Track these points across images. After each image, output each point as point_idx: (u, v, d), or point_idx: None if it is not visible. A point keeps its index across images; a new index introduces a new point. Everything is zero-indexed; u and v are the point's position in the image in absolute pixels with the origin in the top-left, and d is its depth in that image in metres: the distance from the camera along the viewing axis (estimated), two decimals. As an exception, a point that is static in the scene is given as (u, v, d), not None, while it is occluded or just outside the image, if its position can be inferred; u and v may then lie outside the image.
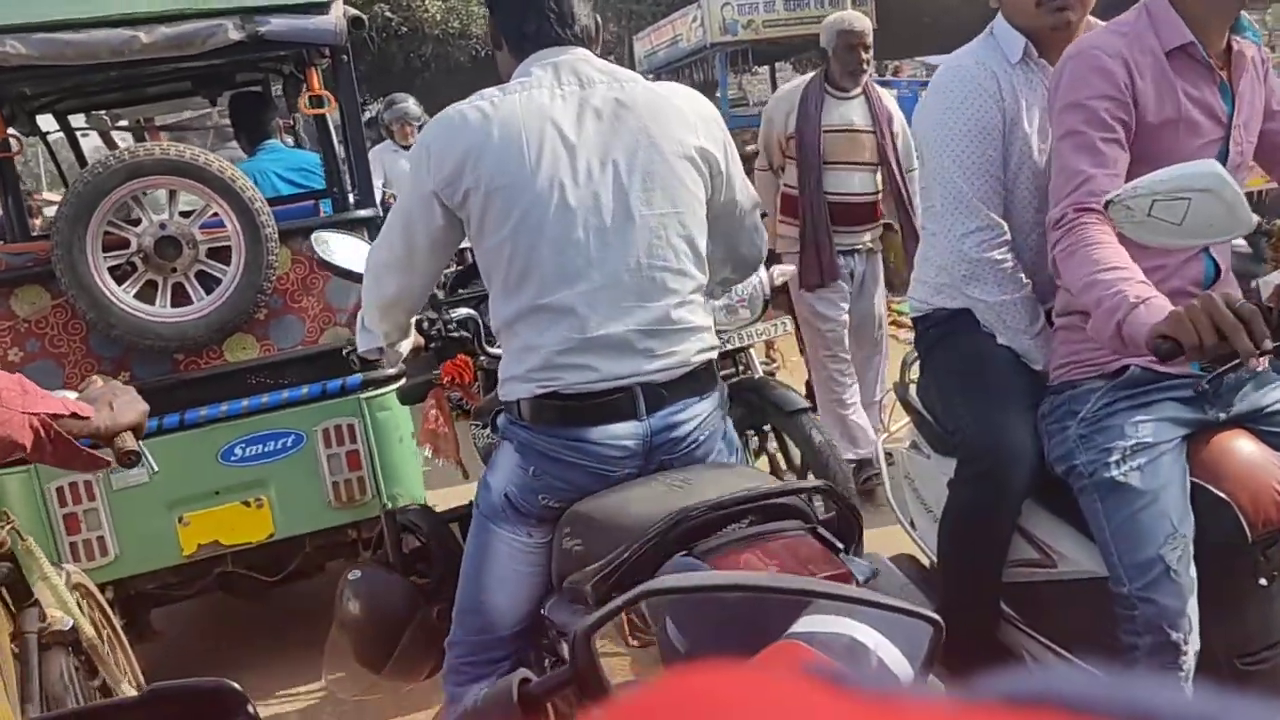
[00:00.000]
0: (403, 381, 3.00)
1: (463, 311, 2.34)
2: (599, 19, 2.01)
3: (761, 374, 3.78)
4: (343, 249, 2.36)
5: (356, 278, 2.21)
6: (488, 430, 2.26)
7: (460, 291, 2.78)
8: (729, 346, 3.52)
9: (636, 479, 1.90)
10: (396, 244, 1.96)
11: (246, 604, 3.62)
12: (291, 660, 3.31)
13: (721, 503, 1.63)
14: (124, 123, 5.39)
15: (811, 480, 1.92)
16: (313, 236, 2.41)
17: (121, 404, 1.82)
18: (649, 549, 1.59)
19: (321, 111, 3.71)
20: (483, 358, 2.36)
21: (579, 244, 1.84)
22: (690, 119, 1.94)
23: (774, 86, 15.18)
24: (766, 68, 13.75)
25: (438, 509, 2.67)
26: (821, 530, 1.67)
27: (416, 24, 17.45)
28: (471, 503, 2.07)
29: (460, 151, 1.84)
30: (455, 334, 2.31)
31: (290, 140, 5.10)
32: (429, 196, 1.88)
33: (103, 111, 5.18)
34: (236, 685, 0.96)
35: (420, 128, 4.97)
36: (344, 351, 2.49)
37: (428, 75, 17.15)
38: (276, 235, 3.09)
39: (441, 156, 1.86)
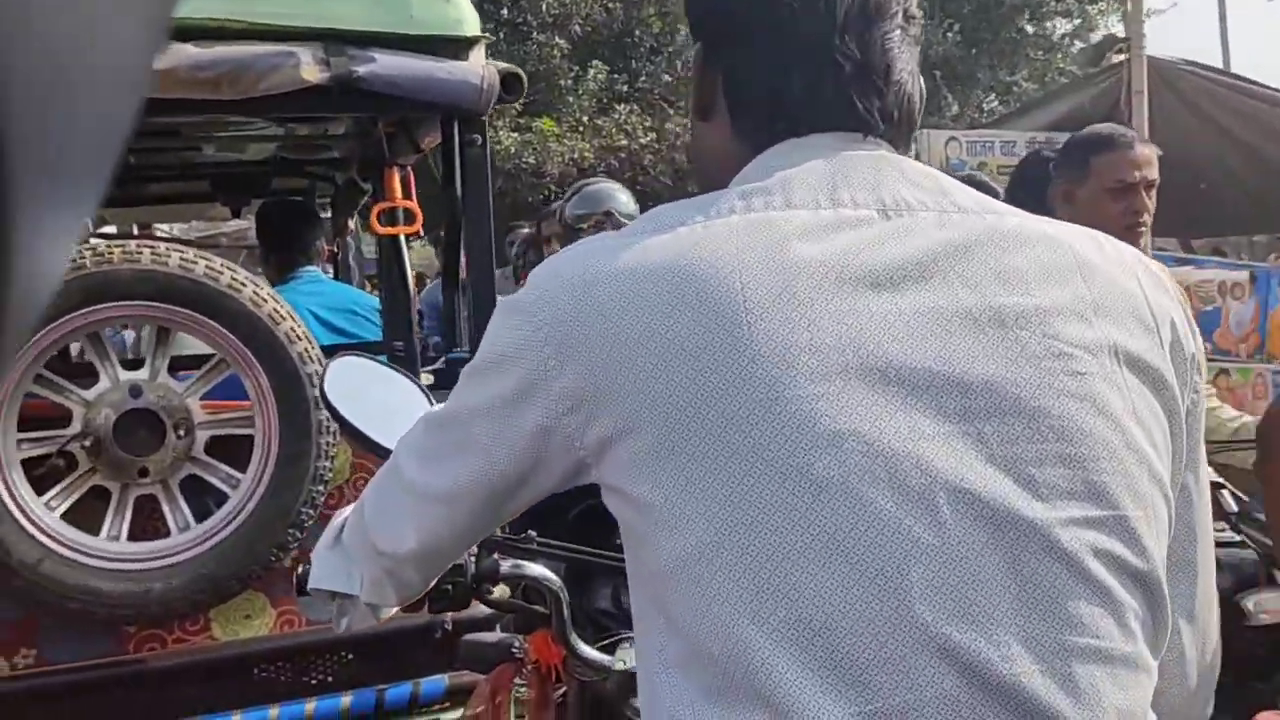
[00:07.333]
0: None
1: (537, 569, 1.39)
2: (924, 86, 1.01)
3: None
4: (377, 393, 1.29)
5: (382, 453, 1.17)
6: None
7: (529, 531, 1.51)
8: None
9: None
10: (452, 473, 0.97)
11: None
12: None
13: None
14: (111, 229, 4.08)
15: None
16: (334, 361, 1.31)
17: None
18: None
19: (395, 232, 2.49)
20: (579, 653, 1.37)
21: None
22: None
23: None
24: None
25: None
26: None
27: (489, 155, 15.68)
28: None
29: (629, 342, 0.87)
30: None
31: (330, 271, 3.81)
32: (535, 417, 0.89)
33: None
34: None
35: None
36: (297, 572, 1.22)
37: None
38: (334, 421, 1.75)
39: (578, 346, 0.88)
